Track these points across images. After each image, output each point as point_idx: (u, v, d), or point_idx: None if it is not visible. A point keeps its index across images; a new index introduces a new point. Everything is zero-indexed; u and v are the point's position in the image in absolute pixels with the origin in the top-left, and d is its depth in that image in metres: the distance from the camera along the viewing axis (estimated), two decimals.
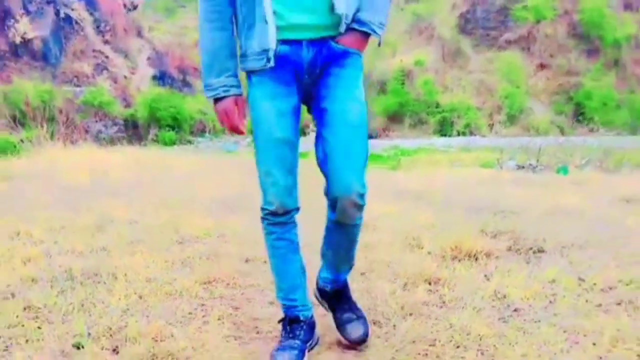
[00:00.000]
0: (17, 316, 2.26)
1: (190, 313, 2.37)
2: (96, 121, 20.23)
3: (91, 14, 30.54)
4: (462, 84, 27.87)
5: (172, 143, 20.92)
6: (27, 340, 2.05)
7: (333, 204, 1.85)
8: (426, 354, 1.98)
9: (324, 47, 1.77)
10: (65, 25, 27.15)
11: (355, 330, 2.04)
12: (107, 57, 28.63)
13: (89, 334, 2.12)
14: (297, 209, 1.92)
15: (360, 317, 2.09)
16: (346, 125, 1.77)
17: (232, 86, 1.82)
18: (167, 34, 58.45)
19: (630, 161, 12.89)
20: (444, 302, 2.52)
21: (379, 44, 1.88)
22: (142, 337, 2.06)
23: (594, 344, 2.04)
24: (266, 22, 1.69)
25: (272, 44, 1.71)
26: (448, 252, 3.21)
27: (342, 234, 1.97)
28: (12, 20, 23.58)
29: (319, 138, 1.83)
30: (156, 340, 2.05)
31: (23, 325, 2.18)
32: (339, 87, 1.79)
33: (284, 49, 1.73)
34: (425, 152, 14.90)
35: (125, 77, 27.83)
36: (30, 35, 22.95)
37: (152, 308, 2.38)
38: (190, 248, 3.34)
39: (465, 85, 27.79)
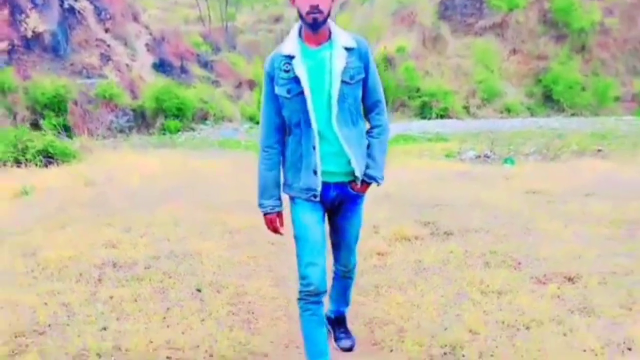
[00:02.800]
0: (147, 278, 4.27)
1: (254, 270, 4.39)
2: (107, 112, 21.94)
3: (92, 2, 31.57)
4: (441, 69, 29.56)
5: (177, 130, 22.75)
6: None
7: (337, 269, 2.98)
8: (377, 292, 4.03)
9: (343, 188, 2.63)
10: (69, 16, 28.25)
11: (346, 342, 3.17)
12: (108, 45, 29.75)
13: (199, 289, 4.10)
14: (326, 292, 2.67)
15: (351, 336, 3.22)
16: (352, 236, 2.84)
17: (276, 206, 2.67)
18: (156, 10, 59.00)
19: (575, 146, 14.91)
20: (385, 265, 4.56)
21: (378, 184, 2.73)
22: (229, 286, 4.08)
23: (465, 292, 4.11)
24: (315, 173, 2.52)
25: (319, 188, 2.56)
26: (393, 236, 5.24)
27: (341, 283, 3.05)
28: (23, 15, 24.84)
29: (336, 237, 2.85)
30: (237, 293, 4.07)
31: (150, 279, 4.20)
32: (352, 216, 2.78)
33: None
34: (402, 140, 16.85)
35: (127, 65, 29.14)
36: (40, 28, 24.25)
37: (229, 270, 4.39)
38: (237, 235, 5.32)
39: (443, 70, 29.49)
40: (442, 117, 26.02)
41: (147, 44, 33.29)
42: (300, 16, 2.50)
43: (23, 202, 6.67)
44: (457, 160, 11.87)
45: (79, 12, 28.80)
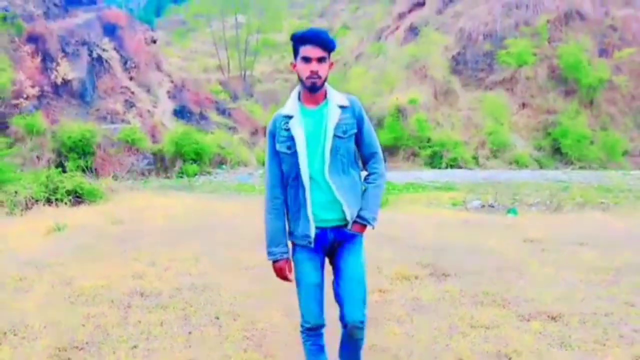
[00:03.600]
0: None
1: (267, 302, 4.84)
2: (129, 155, 22.79)
3: (118, 52, 33.01)
4: (451, 121, 30.29)
5: (195, 174, 23.50)
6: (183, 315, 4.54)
7: (344, 325, 2.84)
8: (377, 324, 4.46)
9: (340, 231, 2.80)
10: (96, 64, 29.55)
11: None
12: (132, 92, 30.97)
13: (217, 317, 4.56)
14: (324, 325, 2.92)
15: None
16: (353, 280, 2.83)
17: (284, 253, 2.84)
18: (177, 59, 60.96)
19: (580, 199, 15.28)
20: (386, 301, 4.99)
21: (373, 227, 2.87)
22: (244, 315, 4.54)
23: (457, 325, 4.53)
24: (309, 220, 2.74)
25: (312, 233, 2.76)
26: (395, 276, 5.69)
27: (350, 344, 2.93)
28: (54, 63, 26.11)
29: (337, 284, 2.86)
30: (251, 321, 4.53)
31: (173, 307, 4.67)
32: (351, 256, 2.84)
33: (317, 232, 2.78)
34: (412, 188, 17.35)
35: (148, 111, 30.24)
36: (69, 76, 25.44)
37: (245, 301, 4.86)
38: (252, 271, 5.80)
39: (454, 122, 30.20)
40: (451, 166, 26.54)
41: (168, 91, 34.54)
42: (301, 80, 2.77)
43: (57, 238, 7.23)
44: (462, 209, 12.29)
45: (106, 61, 30.18)
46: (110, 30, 33.77)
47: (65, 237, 7.27)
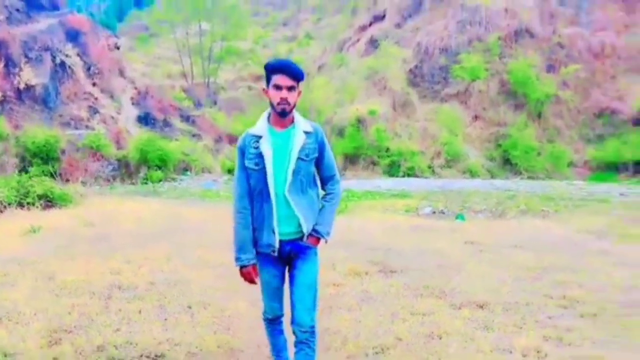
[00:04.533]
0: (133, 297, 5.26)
1: (234, 294, 5.40)
2: (94, 161, 22.87)
3: (81, 58, 32.79)
4: (409, 131, 31.31)
5: (159, 180, 23.75)
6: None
7: (295, 331, 3.07)
8: (330, 312, 5.09)
9: (296, 244, 3.06)
10: (59, 70, 29.35)
11: None
12: (96, 98, 30.83)
13: (189, 307, 5.11)
14: (283, 315, 3.29)
15: None
16: (304, 287, 3.07)
17: (251, 259, 3.07)
18: (141, 65, 60.53)
19: (524, 206, 16.25)
20: (338, 293, 5.63)
21: (326, 241, 3.15)
22: (213, 305, 5.10)
23: (398, 313, 5.19)
24: (274, 232, 3.00)
25: (277, 244, 3.02)
26: (348, 272, 6.33)
27: (302, 356, 3.06)
28: (17, 68, 25.93)
29: (291, 291, 3.11)
30: (220, 309, 5.09)
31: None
32: (304, 265, 3.09)
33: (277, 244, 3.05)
34: (370, 196, 18.10)
35: (112, 117, 30.20)
36: (32, 81, 25.31)
37: (214, 294, 5.41)
38: (219, 269, 6.35)
39: (411, 132, 31.24)
40: (409, 175, 27.49)
41: (132, 98, 34.38)
42: (272, 105, 3.00)
43: (33, 239, 7.61)
44: (414, 215, 13.04)
45: (69, 66, 29.94)
46: (73, 36, 33.53)
47: (41, 238, 7.66)
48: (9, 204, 10.06)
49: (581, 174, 29.44)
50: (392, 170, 28.46)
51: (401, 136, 30.96)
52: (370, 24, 52.03)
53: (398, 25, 45.92)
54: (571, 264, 7.25)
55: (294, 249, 3.09)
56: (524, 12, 35.04)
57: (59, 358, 3.85)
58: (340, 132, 31.74)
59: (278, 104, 2.97)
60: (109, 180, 22.10)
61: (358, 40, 51.56)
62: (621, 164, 28.92)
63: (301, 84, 3.04)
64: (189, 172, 26.82)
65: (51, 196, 10.60)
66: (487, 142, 31.56)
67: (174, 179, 24.86)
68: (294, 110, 3.07)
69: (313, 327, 3.10)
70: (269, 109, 3.09)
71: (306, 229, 3.05)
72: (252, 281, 3.15)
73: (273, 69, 2.99)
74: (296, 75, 2.98)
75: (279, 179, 3.00)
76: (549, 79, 32.71)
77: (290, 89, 2.96)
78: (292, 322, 3.10)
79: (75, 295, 5.17)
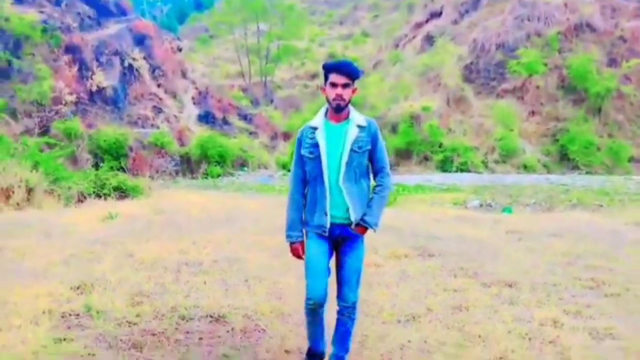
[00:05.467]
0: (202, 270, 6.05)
1: (286, 271, 6.11)
2: (158, 157, 24.36)
3: (147, 61, 34.69)
4: (463, 127, 31.31)
5: (218, 175, 25.01)
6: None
7: (340, 304, 3.42)
8: (370, 288, 5.72)
9: (345, 229, 3.30)
10: (127, 73, 31.22)
11: None
12: (160, 99, 32.61)
13: (246, 280, 5.85)
14: (324, 304, 3.38)
15: None
16: (352, 270, 3.37)
17: (300, 237, 3.39)
18: (201, 65, 62.67)
19: (576, 200, 16.27)
20: (379, 272, 6.24)
21: (375, 231, 3.39)
22: (268, 279, 5.82)
23: (432, 289, 5.77)
24: (326, 214, 3.25)
25: (328, 225, 3.27)
26: (389, 255, 6.93)
27: (342, 326, 3.43)
28: (89, 72, 27.82)
29: (338, 272, 3.40)
30: (273, 282, 5.81)
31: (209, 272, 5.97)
32: (352, 251, 3.37)
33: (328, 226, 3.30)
34: (420, 190, 18.52)
35: (175, 116, 31.82)
36: (104, 84, 27.15)
37: (268, 270, 6.13)
38: (273, 250, 7.08)
39: (466, 128, 31.23)
40: (462, 170, 27.59)
41: (193, 98, 36.13)
42: (328, 101, 3.28)
43: (111, 224, 8.60)
44: (462, 208, 13.43)
45: (136, 69, 31.86)
46: (139, 40, 35.51)
47: (118, 224, 8.64)
48: (89, 195, 11.23)
49: None
50: (445, 165, 28.62)
51: (455, 132, 31.04)
52: (427, 21, 51.96)
53: (455, 22, 45.72)
54: (607, 251, 7.55)
55: (343, 234, 3.34)
56: (584, 6, 34.28)
57: (140, 315, 4.65)
58: (394, 128, 32.12)
59: (333, 99, 3.24)
60: (172, 175, 23.49)
61: (414, 37, 51.61)
62: None
63: (356, 81, 3.29)
64: (246, 168, 28.01)
65: (124, 188, 11.72)
66: (543, 137, 31.17)
67: (232, 174, 26.08)
68: (349, 106, 3.32)
69: (355, 302, 3.45)
70: (326, 105, 3.36)
71: (354, 217, 3.28)
72: (299, 256, 3.46)
73: (330, 68, 3.27)
74: (350, 73, 3.24)
75: (332, 168, 3.26)
76: (610, 73, 31.92)
77: (345, 86, 3.22)
78: (338, 296, 3.44)
79: (151, 269, 6.00)
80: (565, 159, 29.70)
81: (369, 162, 3.39)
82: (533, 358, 3.97)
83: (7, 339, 4.00)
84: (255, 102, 52.13)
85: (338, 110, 3.29)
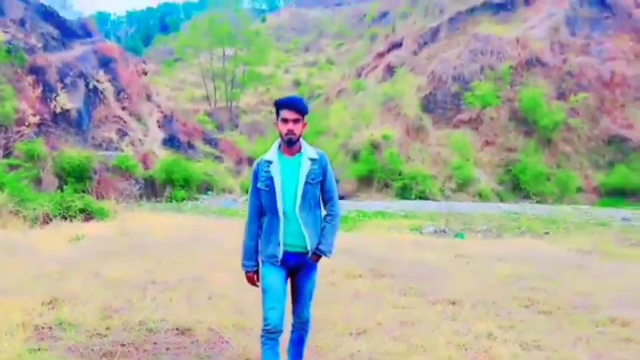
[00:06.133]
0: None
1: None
2: (122, 180, 24.35)
3: (112, 83, 34.60)
4: (422, 156, 32.35)
5: (183, 199, 25.12)
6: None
7: (295, 320, 3.63)
8: (324, 305, 6.14)
9: (301, 258, 3.46)
10: (92, 95, 31.10)
11: None
12: (125, 122, 32.50)
13: (210, 297, 6.19)
14: (282, 332, 3.46)
15: None
16: (306, 295, 3.58)
17: (254, 266, 3.56)
18: (166, 88, 62.61)
19: (525, 228, 17.10)
20: (334, 291, 6.67)
21: (327, 257, 3.52)
22: (230, 296, 6.18)
23: (382, 306, 6.23)
24: (279, 245, 3.39)
25: (280, 254, 3.41)
26: (345, 275, 7.38)
27: (296, 337, 3.67)
28: (53, 93, 27.68)
29: (294, 297, 3.59)
30: (235, 300, 6.17)
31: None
32: (307, 278, 3.56)
33: (284, 254, 3.42)
34: (380, 216, 19.11)
35: (140, 139, 31.78)
36: (68, 106, 27.03)
37: (231, 288, 6.49)
38: (236, 270, 7.42)
39: (424, 157, 32.24)
40: (420, 198, 28.39)
41: (158, 121, 36.00)
42: (280, 135, 3.44)
43: (78, 245, 8.80)
44: (417, 234, 14.03)
45: (101, 92, 31.76)
46: (105, 62, 35.44)
47: (85, 245, 8.85)
48: (54, 216, 11.35)
49: (590, 199, 30.05)
50: (405, 193, 29.40)
51: (414, 160, 31.98)
52: (389, 51, 53.51)
53: (414, 53, 47.25)
54: (545, 274, 8.18)
55: (299, 262, 3.50)
56: (535, 42, 36.10)
57: (110, 328, 4.96)
58: (355, 156, 32.88)
59: (286, 134, 3.39)
60: (136, 198, 23.48)
61: (376, 66, 53.00)
62: (629, 189, 29.52)
63: (306, 117, 3.45)
64: (210, 192, 28.20)
65: (90, 210, 11.88)
66: (497, 167, 32.42)
67: (196, 198, 26.23)
68: (300, 139, 3.49)
69: (309, 318, 3.69)
70: (279, 139, 3.51)
71: (310, 245, 3.45)
72: (253, 284, 3.65)
73: (281, 104, 3.44)
74: (300, 109, 3.41)
75: (288, 199, 3.41)
76: (558, 107, 33.57)
77: (296, 121, 3.38)
78: (293, 313, 3.65)
79: (118, 287, 6.29)
80: (517, 188, 30.94)
81: (320, 192, 3.56)
82: None
83: None
84: (220, 127, 52.41)
85: (290, 144, 3.43)
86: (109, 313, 5.35)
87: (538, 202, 28.38)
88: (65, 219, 11.43)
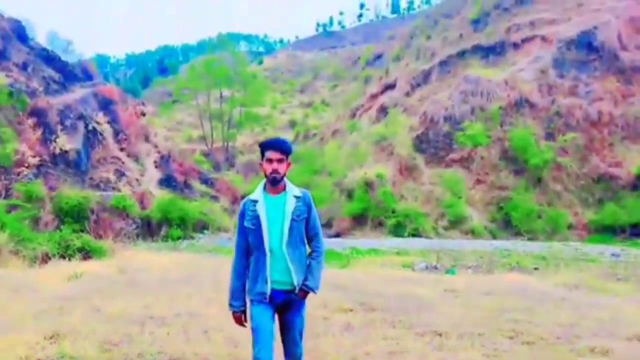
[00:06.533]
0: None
1: None
2: (119, 220, 24.57)
3: (111, 125, 35.11)
4: (415, 194, 32.79)
5: (179, 238, 25.31)
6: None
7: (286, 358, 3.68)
8: (317, 337, 6.36)
9: (288, 295, 3.52)
10: (91, 136, 31.55)
11: None
12: (123, 162, 32.87)
13: (206, 331, 6.40)
14: None
15: None
16: (296, 331, 3.61)
17: (242, 306, 3.62)
18: (163, 129, 63.30)
19: (515, 264, 17.33)
20: (327, 324, 6.88)
21: (314, 293, 3.58)
22: (225, 331, 6.40)
23: (371, 337, 6.46)
24: (266, 282, 3.46)
25: (268, 292, 3.47)
26: (336, 309, 7.60)
27: None
28: (53, 135, 28.12)
29: (283, 334, 3.63)
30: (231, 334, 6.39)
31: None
32: (295, 313, 3.59)
33: (271, 292, 3.49)
34: (373, 253, 19.32)
35: (137, 179, 32.09)
36: (67, 147, 27.44)
37: (226, 324, 6.70)
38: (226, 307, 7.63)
39: (417, 195, 32.68)
40: (414, 235, 28.65)
41: (155, 161, 36.40)
42: (265, 175, 3.56)
43: (77, 282, 9.00)
44: (409, 270, 14.25)
45: (100, 133, 32.22)
46: (104, 104, 36.07)
47: (84, 282, 9.06)
48: (53, 255, 11.56)
49: (580, 236, 30.36)
50: (398, 230, 29.66)
51: (407, 198, 32.37)
52: (382, 92, 54.68)
53: (407, 94, 48.31)
54: (530, 307, 8.39)
55: (286, 299, 3.57)
56: (523, 84, 37.05)
57: None
58: (350, 194, 33.27)
59: (270, 173, 3.52)
60: (132, 238, 23.63)
61: (370, 107, 54.06)
62: (618, 226, 29.89)
63: (290, 157, 3.58)
64: (206, 231, 28.38)
65: (88, 249, 12.11)
66: (489, 205, 32.82)
67: (192, 237, 26.40)
68: (285, 179, 3.60)
69: (301, 355, 3.73)
70: (264, 180, 3.65)
71: (296, 281, 3.52)
72: (241, 324, 3.74)
73: (266, 146, 3.59)
74: (284, 149, 3.54)
75: (274, 236, 3.49)
76: (547, 146, 34.24)
77: (280, 161, 3.51)
78: (285, 355, 3.70)
79: (117, 322, 6.49)
80: (509, 226, 31.26)
81: (304, 229, 3.64)
82: None
83: None
84: (216, 167, 52.92)
85: (274, 183, 3.55)
86: (109, 347, 5.55)
87: (529, 239, 28.67)
88: (64, 257, 11.65)
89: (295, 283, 3.52)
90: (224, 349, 5.68)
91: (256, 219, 3.51)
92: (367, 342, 6.11)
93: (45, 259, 11.45)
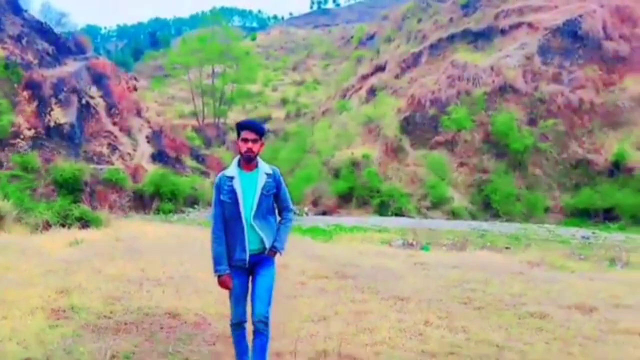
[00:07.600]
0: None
1: None
2: (112, 193, 25.25)
3: (104, 99, 35.56)
4: (399, 175, 33.66)
5: (170, 212, 26.07)
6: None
7: (253, 321, 3.87)
8: (294, 299, 7.20)
9: (258, 256, 3.89)
10: (84, 110, 32.00)
11: None
12: (115, 136, 33.39)
13: (197, 291, 7.22)
14: (245, 321, 3.99)
15: None
16: (263, 288, 3.88)
17: (227, 269, 3.89)
18: (155, 104, 63.44)
19: (488, 243, 18.27)
20: (302, 288, 7.72)
21: (281, 254, 4.00)
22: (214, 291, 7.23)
23: (342, 300, 7.31)
24: (245, 249, 3.83)
25: (247, 258, 3.85)
26: (313, 276, 8.44)
27: (258, 343, 3.90)
28: (48, 108, 28.57)
29: (252, 291, 3.91)
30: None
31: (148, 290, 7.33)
32: (264, 271, 3.92)
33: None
34: (356, 230, 20.19)
35: (129, 154, 32.67)
36: (61, 120, 27.94)
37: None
38: None
39: (401, 176, 33.53)
40: (397, 215, 29.58)
41: (147, 136, 36.97)
42: (240, 152, 3.87)
43: (78, 248, 9.75)
44: (387, 246, 15.13)
45: (93, 107, 32.68)
46: (97, 78, 36.43)
47: (84, 248, 9.82)
48: (54, 224, 12.30)
49: (556, 219, 31.43)
50: (382, 209, 30.54)
51: (392, 178, 33.24)
52: (372, 74, 55.18)
53: (396, 77, 48.91)
54: (487, 279, 9.28)
55: (257, 260, 3.93)
56: (508, 70, 37.75)
57: (114, 311, 5.97)
58: (336, 173, 34.09)
59: (245, 152, 3.84)
60: (125, 210, 24.35)
61: (360, 88, 54.59)
62: (593, 210, 30.99)
63: (264, 137, 3.92)
64: (196, 206, 29.16)
65: (86, 218, 12.84)
66: (470, 187, 33.75)
67: (183, 211, 27.18)
68: (257, 157, 3.93)
69: (267, 317, 3.91)
70: (238, 156, 3.98)
71: (267, 244, 3.92)
72: (227, 287, 3.99)
73: (242, 126, 3.90)
74: (258, 130, 3.87)
75: (247, 209, 3.84)
76: (528, 131, 35.10)
77: (254, 141, 3.83)
78: (252, 313, 3.91)
79: (117, 282, 7.28)
80: (489, 208, 32.24)
81: (274, 202, 4.03)
82: (402, 341, 5.53)
83: (13, 324, 5.26)
84: (207, 143, 53.43)
85: (249, 161, 3.88)
86: (112, 301, 6.35)
87: (507, 220, 29.67)
88: (64, 226, 12.37)
89: (267, 245, 3.92)
90: (212, 306, 6.48)
91: (232, 192, 3.84)
92: (337, 304, 6.96)
93: (46, 226, 12.18)
